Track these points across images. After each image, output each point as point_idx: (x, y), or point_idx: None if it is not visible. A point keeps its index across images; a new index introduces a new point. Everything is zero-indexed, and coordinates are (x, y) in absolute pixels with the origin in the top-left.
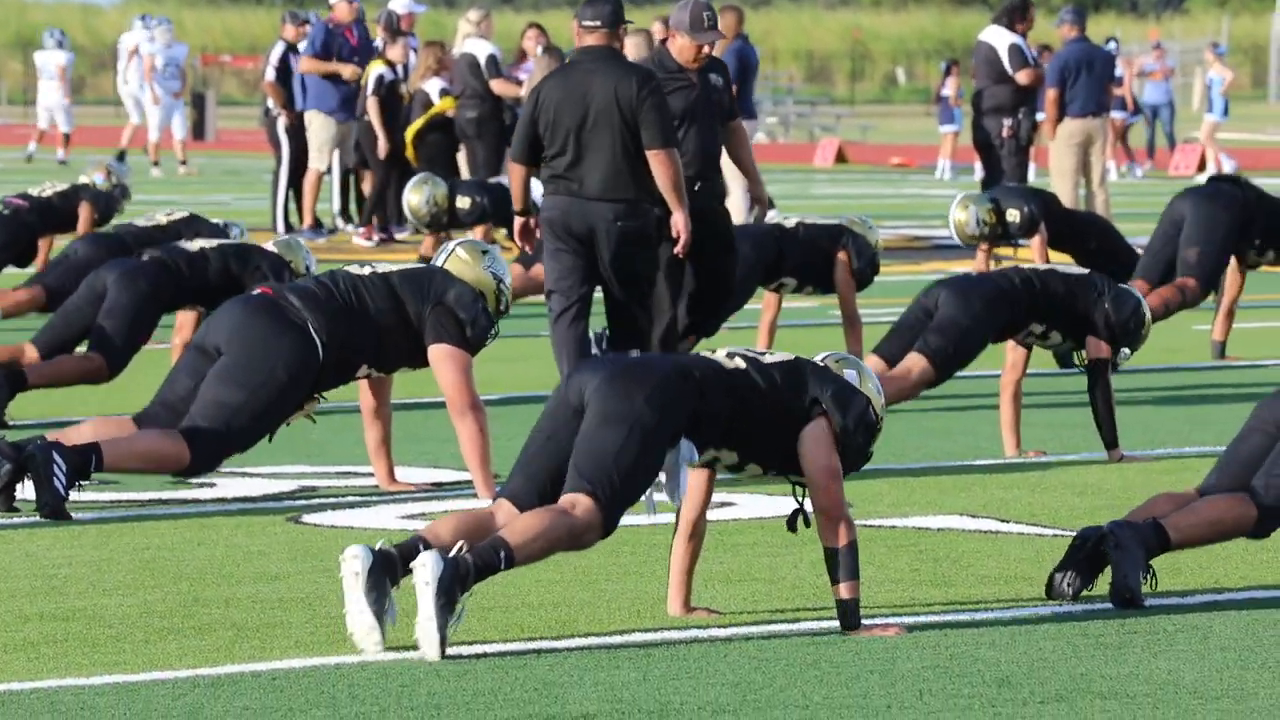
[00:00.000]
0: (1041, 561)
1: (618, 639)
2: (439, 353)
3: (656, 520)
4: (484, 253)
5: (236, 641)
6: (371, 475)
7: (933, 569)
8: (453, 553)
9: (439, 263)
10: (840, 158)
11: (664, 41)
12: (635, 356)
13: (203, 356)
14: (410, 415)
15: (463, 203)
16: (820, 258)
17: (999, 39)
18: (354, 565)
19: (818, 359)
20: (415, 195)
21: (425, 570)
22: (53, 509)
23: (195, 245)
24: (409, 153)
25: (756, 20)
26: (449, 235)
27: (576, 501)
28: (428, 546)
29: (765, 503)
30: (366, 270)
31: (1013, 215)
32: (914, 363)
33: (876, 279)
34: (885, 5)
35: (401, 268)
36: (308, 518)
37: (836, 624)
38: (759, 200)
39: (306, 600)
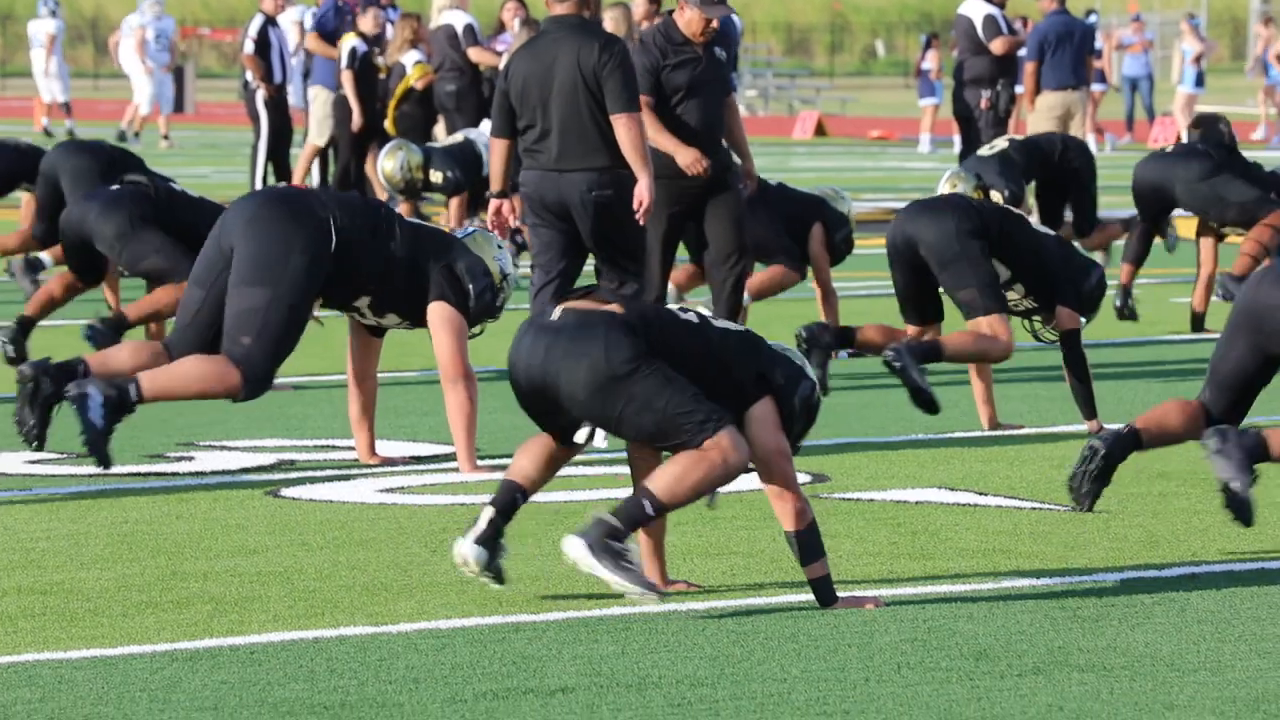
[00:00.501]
0: (1019, 534)
1: (597, 612)
2: (439, 311)
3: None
4: (499, 246)
5: (215, 615)
6: (350, 449)
7: (911, 542)
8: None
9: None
10: (820, 130)
11: (671, 13)
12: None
13: (212, 264)
14: (390, 390)
15: (435, 176)
16: (796, 229)
17: (976, 10)
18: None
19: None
20: (389, 161)
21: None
22: (93, 447)
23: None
24: (389, 125)
25: None
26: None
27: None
28: None
29: (743, 476)
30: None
31: (997, 196)
32: (980, 325)
33: (854, 253)
34: None
35: (429, 227)
36: (286, 491)
37: (814, 597)
38: (749, 175)
39: (285, 574)
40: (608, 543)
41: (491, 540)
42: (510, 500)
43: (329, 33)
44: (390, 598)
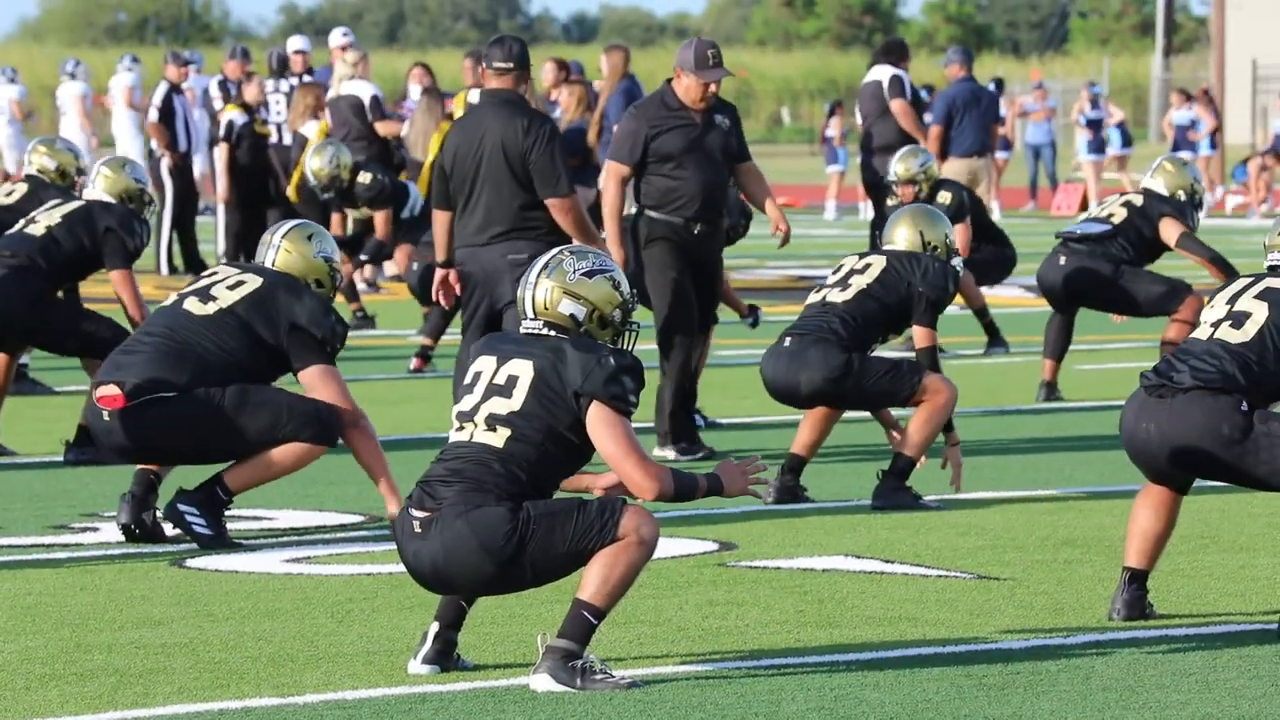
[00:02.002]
0: (926, 602)
1: (504, 683)
2: (310, 377)
3: None
4: (309, 237)
5: (119, 688)
6: (258, 520)
7: (818, 610)
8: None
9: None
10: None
11: (669, 81)
12: None
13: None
14: None
15: (364, 178)
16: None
17: (883, 73)
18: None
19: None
20: (318, 158)
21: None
22: (214, 546)
23: (40, 228)
24: (291, 193)
25: (643, 59)
26: (343, 213)
27: None
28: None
29: None
30: (211, 308)
31: (944, 197)
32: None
33: (767, 319)
34: (770, 45)
35: (243, 294)
36: (190, 562)
37: (721, 666)
38: (774, 222)
39: (190, 645)
40: (570, 666)
41: (443, 654)
42: (456, 610)
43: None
44: (296, 669)
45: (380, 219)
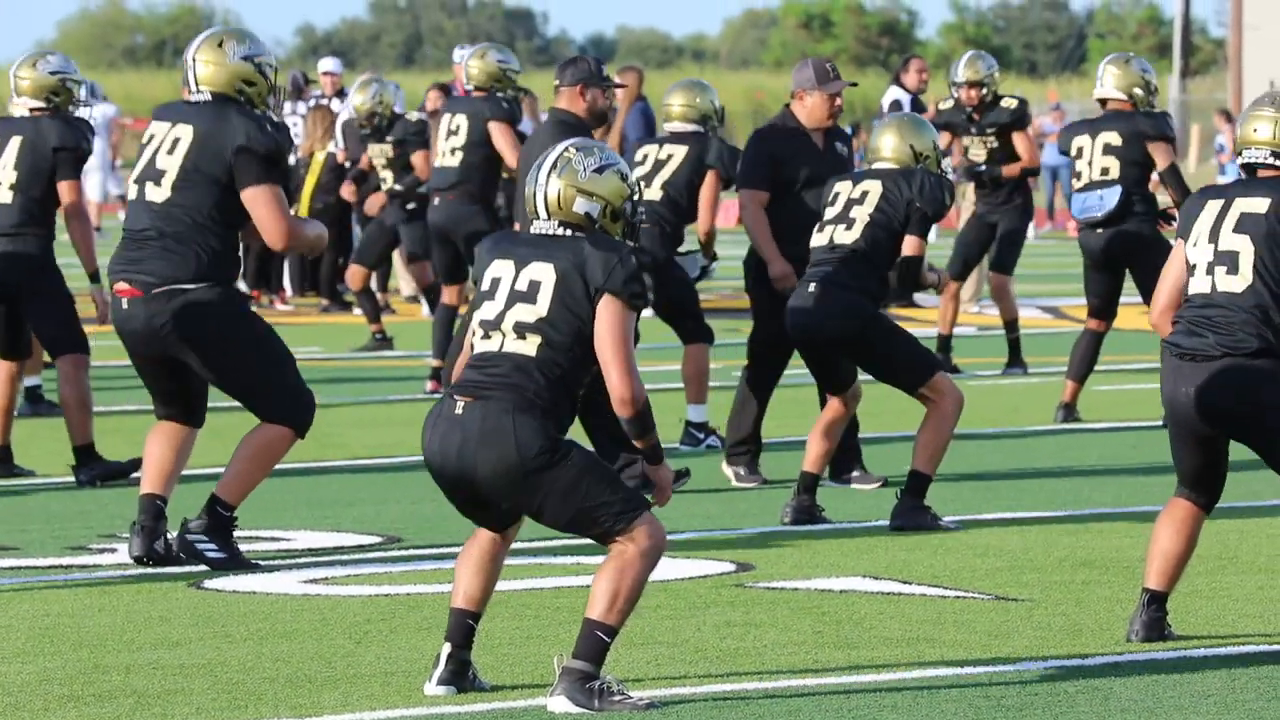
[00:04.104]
0: (943, 623)
1: (521, 703)
2: (248, 196)
3: (560, 584)
4: (219, 43)
5: (137, 709)
6: (275, 540)
7: (835, 631)
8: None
9: None
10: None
11: (788, 105)
12: None
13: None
14: (312, 480)
15: (411, 116)
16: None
17: (890, 95)
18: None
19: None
20: (361, 93)
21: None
22: (233, 568)
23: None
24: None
25: (659, 81)
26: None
27: None
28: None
29: (667, 565)
30: (166, 185)
31: (1008, 103)
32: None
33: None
34: (787, 66)
35: (185, 150)
36: (209, 583)
37: (738, 687)
38: None
39: (208, 666)
40: (587, 688)
41: (457, 674)
42: (464, 630)
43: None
44: (314, 689)
45: (419, 159)
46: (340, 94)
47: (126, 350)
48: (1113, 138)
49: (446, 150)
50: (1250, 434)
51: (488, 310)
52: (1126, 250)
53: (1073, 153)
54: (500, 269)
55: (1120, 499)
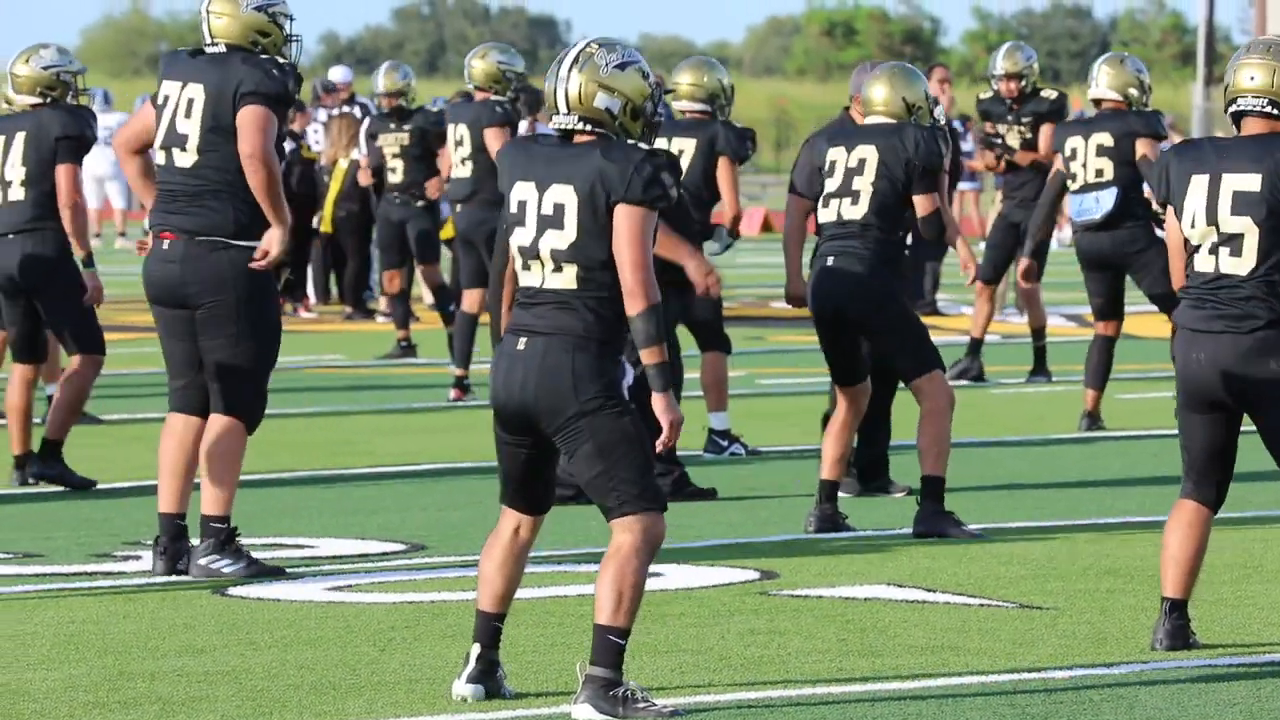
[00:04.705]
0: (968, 631)
1: (545, 710)
2: (241, 115)
3: (584, 591)
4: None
5: (162, 716)
6: (299, 548)
7: (859, 639)
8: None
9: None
10: (766, 226)
11: (847, 109)
12: None
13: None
14: (336, 488)
15: (433, 106)
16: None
17: None
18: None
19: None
20: (392, 74)
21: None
22: (259, 575)
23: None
24: (325, 225)
25: None
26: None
27: None
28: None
29: (692, 573)
30: (192, 149)
31: (1048, 93)
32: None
33: (792, 348)
34: (809, 75)
35: (201, 110)
36: (233, 590)
37: (763, 695)
38: (965, 266)
39: (233, 674)
40: (611, 695)
41: (486, 674)
42: (491, 631)
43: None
44: (339, 696)
45: (442, 156)
46: (351, 99)
47: (150, 302)
48: (1105, 139)
49: (457, 161)
50: (1261, 403)
51: (521, 236)
52: (1123, 253)
53: (1067, 153)
54: (524, 191)
55: (1144, 507)
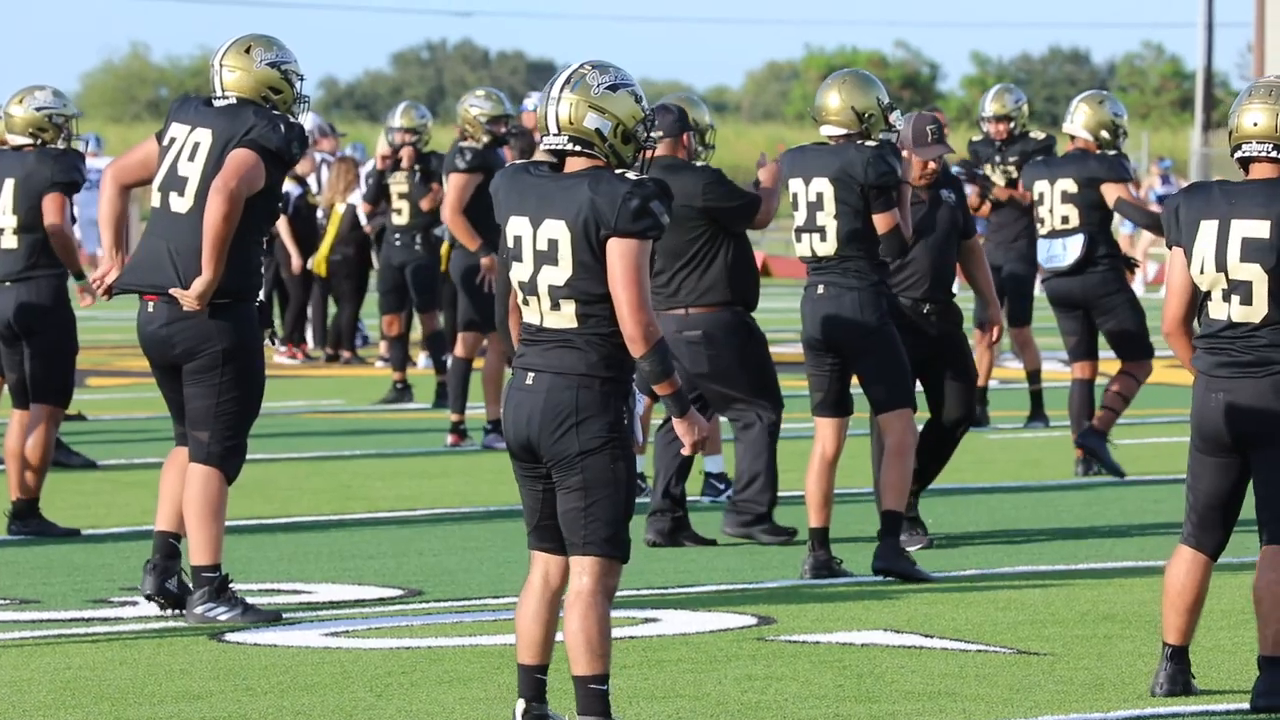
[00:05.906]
0: (965, 677)
1: None
2: (233, 153)
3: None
4: (247, 49)
5: None
6: (296, 593)
7: (856, 685)
8: None
9: None
10: (765, 271)
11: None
12: None
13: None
14: (334, 533)
15: (438, 155)
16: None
17: None
18: None
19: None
20: (409, 113)
21: None
22: (255, 621)
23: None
24: (319, 267)
25: None
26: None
27: None
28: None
29: (689, 618)
30: (189, 195)
31: (1037, 134)
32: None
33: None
34: (808, 120)
35: (204, 156)
36: (230, 636)
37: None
38: (993, 321)
39: (230, 719)
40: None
41: None
42: (534, 684)
43: None
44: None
45: (436, 190)
46: (333, 151)
47: (148, 359)
48: (1069, 185)
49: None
50: (1260, 440)
51: (520, 271)
52: (1090, 299)
53: (1035, 196)
54: (518, 226)
55: (1143, 553)
